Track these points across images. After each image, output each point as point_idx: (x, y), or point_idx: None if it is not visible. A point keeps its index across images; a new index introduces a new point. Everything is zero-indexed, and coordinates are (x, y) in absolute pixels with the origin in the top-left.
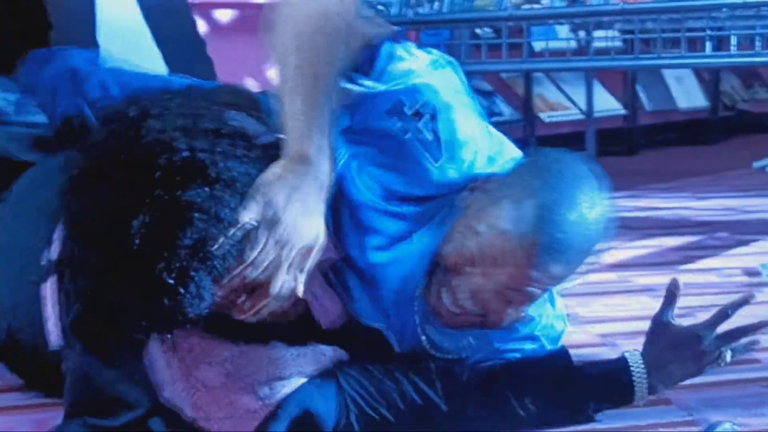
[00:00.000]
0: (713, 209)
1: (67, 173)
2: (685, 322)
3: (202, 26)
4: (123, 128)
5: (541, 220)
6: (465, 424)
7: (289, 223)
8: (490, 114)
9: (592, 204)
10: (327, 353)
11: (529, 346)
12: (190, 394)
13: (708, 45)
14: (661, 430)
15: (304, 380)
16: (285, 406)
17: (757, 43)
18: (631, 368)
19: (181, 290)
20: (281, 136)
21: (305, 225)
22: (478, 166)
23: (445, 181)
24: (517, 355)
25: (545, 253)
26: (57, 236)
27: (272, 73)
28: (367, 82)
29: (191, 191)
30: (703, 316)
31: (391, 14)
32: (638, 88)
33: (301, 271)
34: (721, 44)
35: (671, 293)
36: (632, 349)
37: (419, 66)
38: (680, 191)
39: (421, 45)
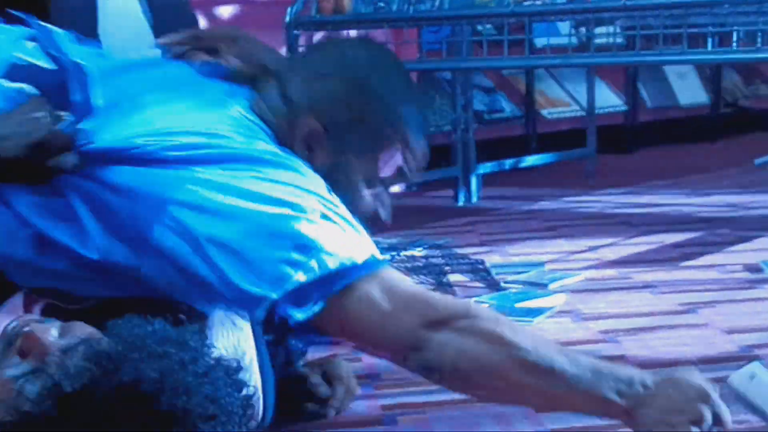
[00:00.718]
0: (714, 206)
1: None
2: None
3: (202, 22)
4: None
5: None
6: None
7: None
8: (491, 110)
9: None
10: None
11: None
12: None
13: (710, 41)
14: None
15: None
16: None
17: (759, 40)
18: None
19: None
20: None
21: None
22: None
23: None
24: None
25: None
26: None
27: None
28: None
29: None
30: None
31: (392, 11)
32: (639, 84)
33: None
34: (723, 40)
35: None
36: None
37: None
38: (681, 188)
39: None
